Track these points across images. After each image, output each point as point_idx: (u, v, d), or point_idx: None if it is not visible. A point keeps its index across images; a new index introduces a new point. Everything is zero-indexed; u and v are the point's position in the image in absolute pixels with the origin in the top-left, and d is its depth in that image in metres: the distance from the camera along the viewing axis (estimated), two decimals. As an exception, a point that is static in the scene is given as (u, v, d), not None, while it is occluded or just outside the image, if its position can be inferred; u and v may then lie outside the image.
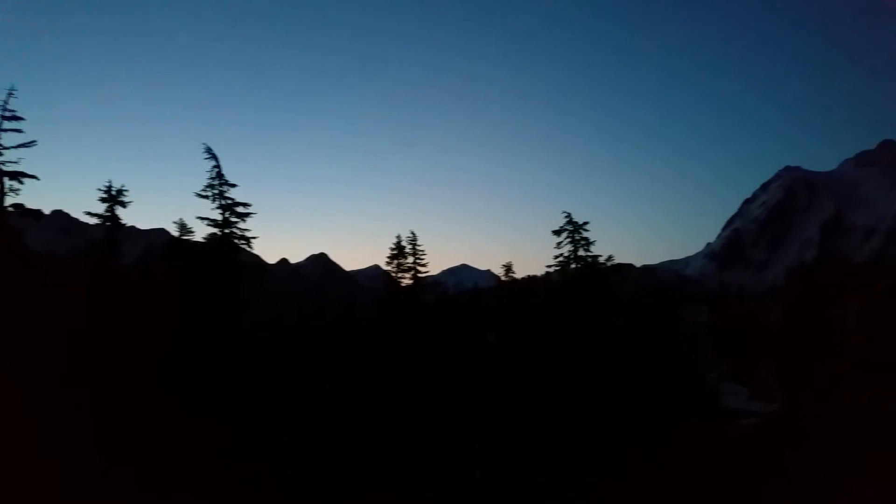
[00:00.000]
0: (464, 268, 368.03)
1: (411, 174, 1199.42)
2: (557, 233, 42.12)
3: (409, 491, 19.79)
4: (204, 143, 34.31)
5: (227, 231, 34.86)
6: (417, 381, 36.55)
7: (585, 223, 41.75)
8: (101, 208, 33.58)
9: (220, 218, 34.73)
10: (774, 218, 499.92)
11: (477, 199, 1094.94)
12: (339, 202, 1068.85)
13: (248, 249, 35.88)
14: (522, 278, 53.92)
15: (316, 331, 45.64)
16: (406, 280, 43.37)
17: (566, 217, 41.94)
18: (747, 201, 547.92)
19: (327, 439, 29.15)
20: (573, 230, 41.76)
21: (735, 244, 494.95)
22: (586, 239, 41.65)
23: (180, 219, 36.02)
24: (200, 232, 35.39)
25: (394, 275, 43.53)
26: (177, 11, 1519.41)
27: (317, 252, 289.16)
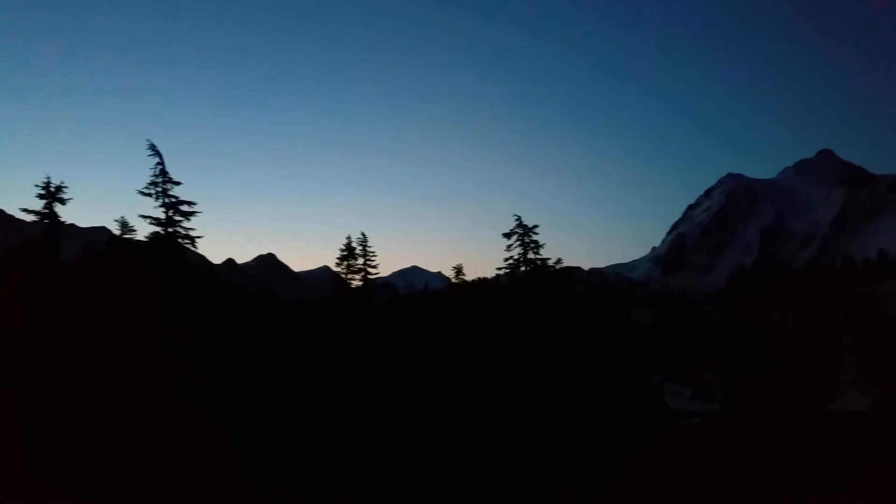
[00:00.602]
0: (414, 269, 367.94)
1: (363, 175, 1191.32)
2: (508, 235, 42.38)
3: (355, 492, 19.50)
4: (147, 140, 33.27)
5: (170, 230, 33.84)
6: (366, 383, 36.20)
7: (535, 226, 42.16)
8: (38, 205, 32.29)
9: (163, 216, 33.72)
10: (717, 223, 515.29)
11: (429, 201, 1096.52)
12: (288, 202, 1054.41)
13: (193, 249, 34.91)
14: (473, 280, 54.19)
15: (262, 332, 44.76)
16: (356, 281, 42.95)
17: (517, 220, 42.24)
18: (691, 207, 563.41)
19: (274, 440, 28.60)
20: (523, 233, 42.07)
21: (679, 248, 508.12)
22: (536, 242, 42.04)
23: (122, 217, 34.79)
24: (143, 230, 34.30)
25: (343, 276, 43.03)
26: (116, 4, 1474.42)
27: (264, 252, 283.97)
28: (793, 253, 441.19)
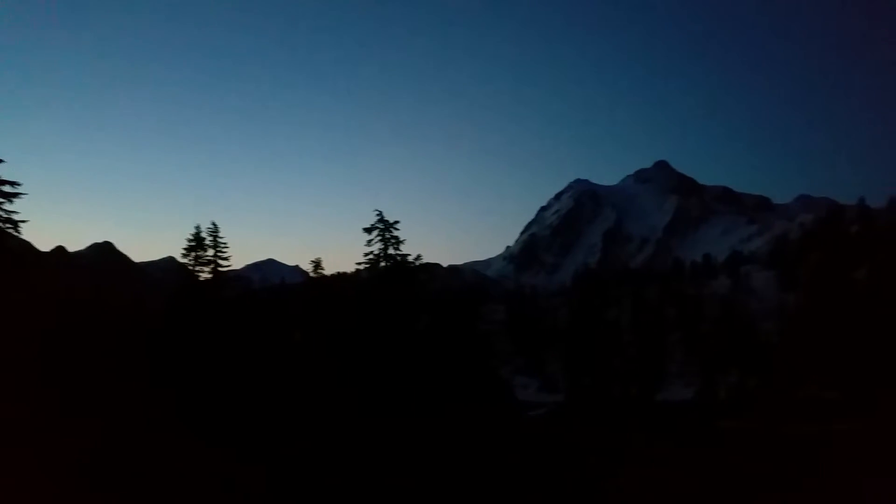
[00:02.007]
0: (270, 262, 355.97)
1: (214, 161, 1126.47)
2: (368, 230, 42.20)
3: (198, 494, 18.51)
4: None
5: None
6: (210, 379, 34.52)
7: (396, 222, 42.30)
8: None
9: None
10: (565, 225, 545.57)
11: (286, 191, 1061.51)
12: (128, 187, 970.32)
13: (16, 234, 31.47)
14: (332, 275, 53.37)
15: (94, 324, 41.13)
16: (205, 274, 40.79)
17: (378, 215, 42.18)
18: (543, 209, 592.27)
19: (111, 440, 26.45)
20: (384, 228, 42.09)
21: (531, 248, 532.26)
22: (396, 238, 42.21)
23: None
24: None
25: (191, 267, 40.69)
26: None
27: (101, 240, 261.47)
28: (631, 254, 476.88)
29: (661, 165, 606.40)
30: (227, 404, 32.24)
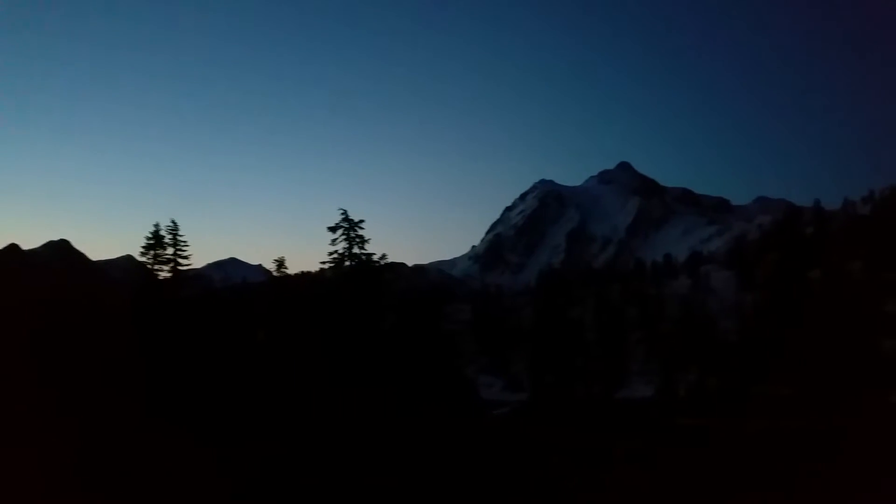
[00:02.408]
0: (233, 261, 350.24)
1: (175, 158, 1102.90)
2: (333, 229, 41.86)
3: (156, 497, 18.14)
4: None
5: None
6: (173, 378, 33.85)
7: (361, 221, 42.03)
8: None
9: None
10: (530, 225, 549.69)
11: (249, 189, 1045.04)
12: (85, 184, 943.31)
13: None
14: (296, 274, 52.88)
15: (51, 323, 39.96)
16: (164, 273, 39.97)
17: (342, 214, 41.86)
18: (508, 209, 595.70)
19: (70, 441, 25.72)
20: (349, 227, 41.80)
21: (496, 248, 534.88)
22: (361, 237, 41.96)
23: None
24: None
25: (150, 266, 39.83)
26: None
27: (56, 238, 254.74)
28: (594, 255, 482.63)
29: (624, 167, 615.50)
30: (187, 404, 31.65)
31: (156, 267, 39.72)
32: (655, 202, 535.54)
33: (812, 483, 18.38)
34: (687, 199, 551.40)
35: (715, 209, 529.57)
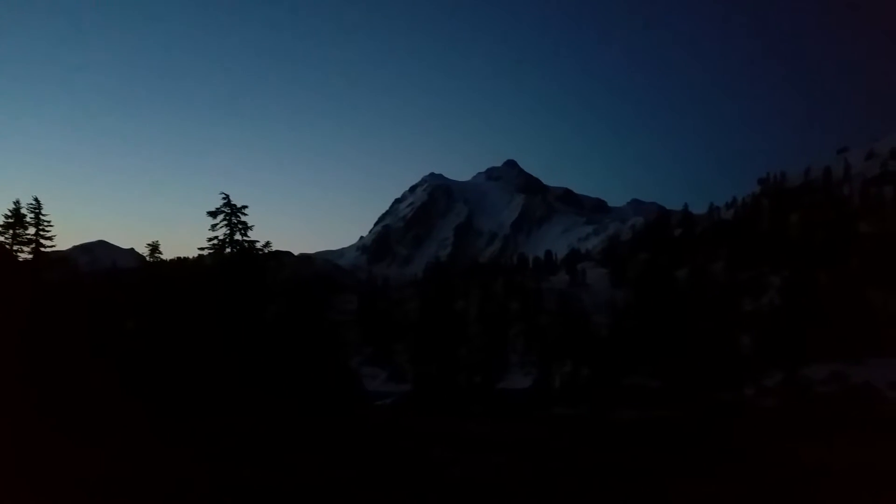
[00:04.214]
0: (102, 245, 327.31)
1: (38, 132, 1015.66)
2: (213, 214, 40.18)
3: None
4: None
5: None
6: (29, 366, 31.34)
7: (244, 207, 40.58)
8: None
9: None
10: (419, 218, 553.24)
11: (123, 169, 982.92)
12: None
13: None
14: (171, 260, 50.32)
15: None
16: (24, 254, 36.87)
17: (224, 199, 40.26)
18: (397, 201, 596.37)
19: None
20: (231, 213, 40.27)
21: (385, 239, 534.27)
22: (244, 223, 40.53)
23: None
24: None
25: (8, 246, 36.57)
26: None
27: None
28: (480, 249, 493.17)
29: (511, 164, 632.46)
30: (45, 395, 29.42)
31: (15, 248, 36.52)
32: (539, 200, 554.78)
33: (663, 471, 19.84)
34: (568, 198, 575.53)
35: (593, 209, 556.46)
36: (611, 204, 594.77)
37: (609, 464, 20.18)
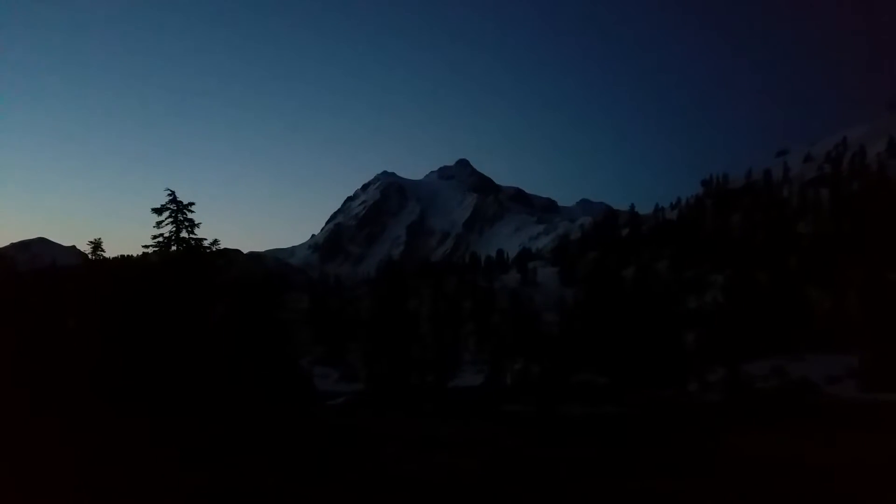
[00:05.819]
0: (41, 241, 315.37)
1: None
2: (159, 211, 39.21)
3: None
4: None
5: None
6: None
7: (191, 204, 39.70)
8: None
9: None
10: (371, 216, 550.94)
11: (63, 164, 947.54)
12: None
13: None
14: (114, 258, 48.83)
15: None
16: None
17: (169, 195, 39.33)
18: (349, 199, 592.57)
19: None
20: (177, 210, 39.37)
21: (337, 237, 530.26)
22: (191, 220, 39.68)
23: None
24: None
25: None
26: None
27: None
28: (432, 248, 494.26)
29: (463, 164, 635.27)
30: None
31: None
32: (491, 200, 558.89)
33: (610, 465, 20.36)
34: (519, 198, 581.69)
35: (544, 209, 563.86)
36: (561, 204, 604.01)
37: (557, 459, 20.57)
